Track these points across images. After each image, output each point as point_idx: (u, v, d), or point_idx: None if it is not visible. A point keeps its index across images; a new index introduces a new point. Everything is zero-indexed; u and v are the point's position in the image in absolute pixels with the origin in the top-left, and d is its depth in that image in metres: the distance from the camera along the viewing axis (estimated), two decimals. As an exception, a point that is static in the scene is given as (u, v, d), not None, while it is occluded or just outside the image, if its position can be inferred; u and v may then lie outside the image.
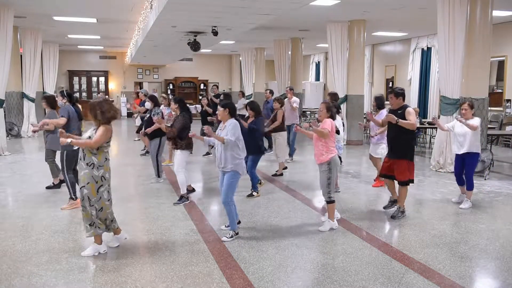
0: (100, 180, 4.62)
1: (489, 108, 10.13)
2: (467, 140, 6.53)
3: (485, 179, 8.62)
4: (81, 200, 4.66)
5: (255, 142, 7.02)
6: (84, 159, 4.60)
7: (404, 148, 5.92)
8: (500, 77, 13.87)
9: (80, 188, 4.63)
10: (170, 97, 9.44)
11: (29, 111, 15.30)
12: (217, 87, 13.47)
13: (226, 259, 4.62)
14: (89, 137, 4.62)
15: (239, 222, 5.50)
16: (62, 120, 6.60)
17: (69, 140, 4.65)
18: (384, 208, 6.49)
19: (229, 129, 5.15)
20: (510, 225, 5.90)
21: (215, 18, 9.75)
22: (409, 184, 6.05)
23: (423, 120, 13.47)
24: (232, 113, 5.33)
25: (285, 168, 9.35)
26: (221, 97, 9.42)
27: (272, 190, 7.77)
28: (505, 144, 13.32)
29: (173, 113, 8.32)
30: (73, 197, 6.56)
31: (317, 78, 23.84)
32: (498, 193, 7.58)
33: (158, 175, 8.32)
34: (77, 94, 24.49)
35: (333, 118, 5.62)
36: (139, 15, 12.63)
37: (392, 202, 6.42)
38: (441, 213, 6.41)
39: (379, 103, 7.85)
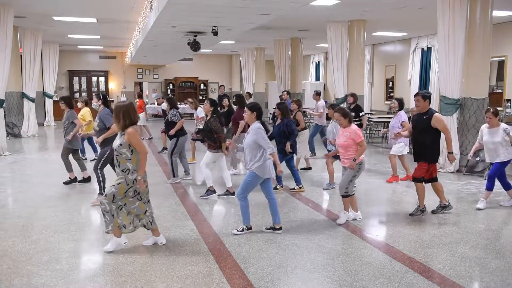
0: (131, 183, 4.65)
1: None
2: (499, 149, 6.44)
3: (485, 179, 8.60)
4: (103, 197, 4.68)
5: (283, 144, 7.28)
6: (119, 166, 4.66)
7: (436, 152, 5.97)
8: (500, 77, 13.86)
9: (110, 187, 4.71)
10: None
11: (29, 111, 15.30)
12: (224, 86, 13.56)
13: (226, 259, 4.62)
14: (120, 144, 4.62)
15: (250, 228, 5.46)
16: (114, 130, 6.61)
17: (139, 177, 4.66)
18: (411, 215, 6.21)
19: (253, 133, 5.22)
20: (510, 225, 5.90)
21: (215, 18, 9.74)
22: (421, 181, 6.04)
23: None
24: (259, 116, 5.38)
25: (310, 167, 9.51)
26: (234, 98, 9.47)
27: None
28: (505, 144, 13.30)
29: (199, 115, 8.54)
30: (103, 192, 6.66)
31: (317, 78, 23.83)
32: (498, 193, 7.57)
33: (173, 175, 8.19)
34: (77, 94, 24.52)
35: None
36: (139, 15, 12.63)
37: (422, 211, 6.18)
38: (441, 213, 6.41)
39: (401, 105, 8.16)
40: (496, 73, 14.07)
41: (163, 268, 4.40)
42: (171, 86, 26.18)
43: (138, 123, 4.97)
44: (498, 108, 13.59)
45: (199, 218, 6.09)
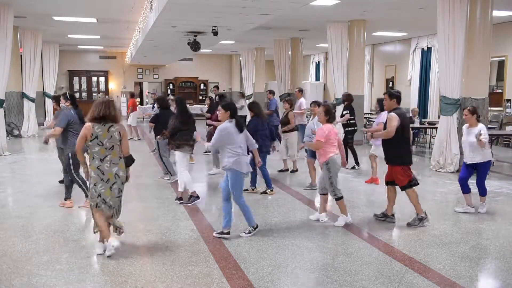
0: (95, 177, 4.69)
1: (489, 108, 10.12)
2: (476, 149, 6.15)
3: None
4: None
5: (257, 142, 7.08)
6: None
7: (395, 153, 5.67)
8: (500, 77, 13.86)
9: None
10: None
11: (29, 111, 15.29)
12: (218, 87, 13.56)
13: (226, 259, 4.62)
14: None
15: (256, 226, 5.43)
16: (58, 131, 6.35)
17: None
18: (375, 216, 6.03)
19: (216, 131, 5.21)
20: (510, 225, 5.90)
21: (215, 18, 9.75)
22: (412, 187, 5.69)
23: (423, 120, 13.48)
24: (233, 115, 5.31)
25: (288, 169, 9.28)
26: (216, 98, 9.36)
27: (272, 190, 7.76)
28: (505, 144, 13.32)
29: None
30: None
31: (317, 78, 23.83)
32: (498, 193, 7.57)
33: (170, 174, 8.19)
34: (77, 94, 24.52)
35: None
36: (139, 15, 12.64)
37: (385, 215, 5.95)
38: (441, 213, 6.41)
39: (381, 105, 7.92)
40: (496, 73, 14.07)
41: (163, 268, 4.39)
42: (171, 86, 26.19)
43: (128, 123, 4.96)
44: (498, 108, 13.58)
45: (199, 218, 6.10)
